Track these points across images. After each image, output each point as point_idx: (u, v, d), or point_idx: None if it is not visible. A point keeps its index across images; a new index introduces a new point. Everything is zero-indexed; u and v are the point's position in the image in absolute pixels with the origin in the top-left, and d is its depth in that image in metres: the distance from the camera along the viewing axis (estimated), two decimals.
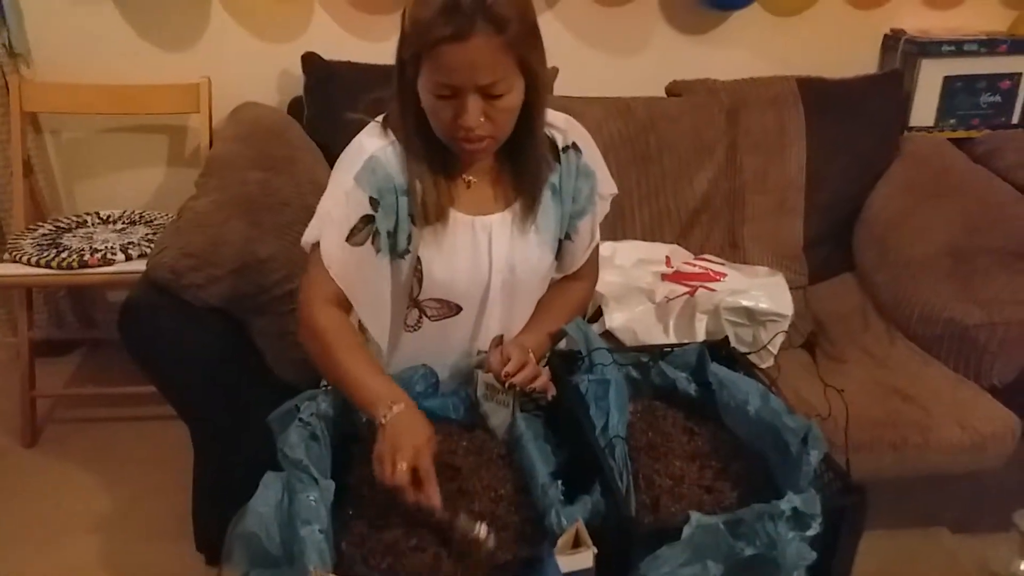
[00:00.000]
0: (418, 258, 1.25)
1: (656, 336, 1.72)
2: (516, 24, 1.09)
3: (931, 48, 2.23)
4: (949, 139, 2.27)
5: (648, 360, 1.34)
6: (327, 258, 1.18)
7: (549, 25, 2.25)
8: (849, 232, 2.17)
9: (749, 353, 1.50)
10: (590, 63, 2.29)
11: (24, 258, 1.88)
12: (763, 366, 1.70)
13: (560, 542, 0.91)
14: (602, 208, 1.38)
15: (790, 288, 2.07)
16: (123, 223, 2.11)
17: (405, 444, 1.05)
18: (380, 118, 1.25)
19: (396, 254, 1.25)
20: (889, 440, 1.58)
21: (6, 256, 1.92)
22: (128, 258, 1.89)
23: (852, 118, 2.17)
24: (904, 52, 2.28)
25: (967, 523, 1.81)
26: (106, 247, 1.93)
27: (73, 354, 2.43)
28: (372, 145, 1.21)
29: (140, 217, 2.15)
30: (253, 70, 2.19)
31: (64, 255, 1.89)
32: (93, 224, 2.11)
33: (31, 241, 1.97)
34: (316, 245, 1.20)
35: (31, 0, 2.08)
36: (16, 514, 1.87)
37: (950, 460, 1.61)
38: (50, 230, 2.05)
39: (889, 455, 1.59)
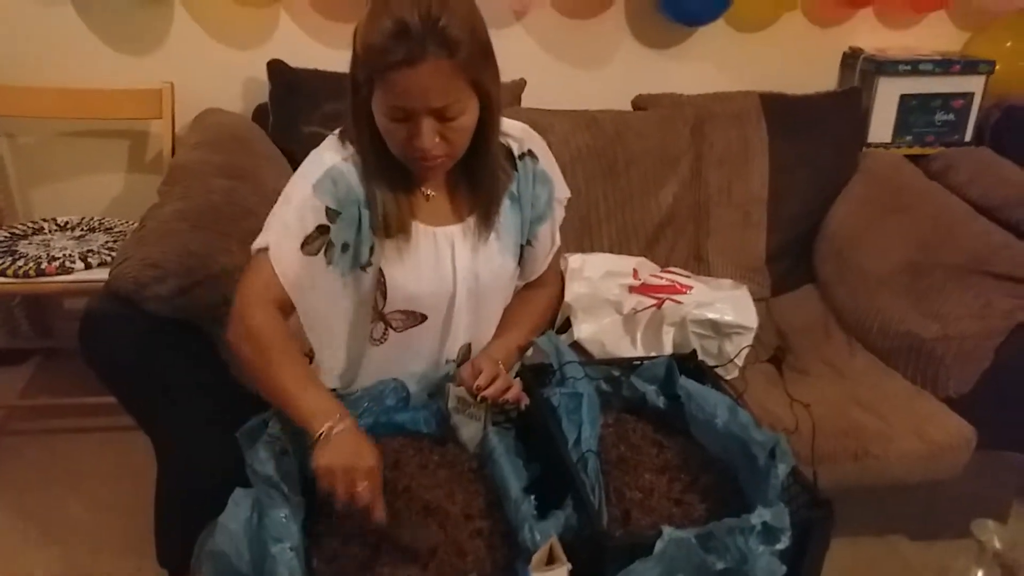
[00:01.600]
0: (380, 271, 1.25)
1: (624, 347, 1.74)
2: (467, 46, 1.09)
3: (888, 67, 2.29)
4: (905, 155, 2.33)
5: (619, 374, 1.36)
6: (279, 264, 1.17)
7: (517, 38, 2.26)
8: (810, 245, 2.21)
9: (716, 366, 1.52)
10: (557, 76, 2.30)
11: None
12: (728, 378, 1.72)
13: (535, 559, 0.92)
14: (559, 213, 1.40)
15: (753, 300, 2.11)
16: (81, 230, 2.06)
17: (359, 463, 1.04)
18: (338, 132, 1.25)
19: (358, 266, 1.25)
20: (851, 450, 1.61)
21: None
22: (88, 266, 1.85)
23: (813, 134, 2.22)
24: (862, 70, 2.34)
25: (925, 531, 1.85)
26: (64, 255, 1.88)
27: (27, 363, 2.36)
28: (331, 158, 1.21)
29: (100, 224, 2.10)
30: (217, 76, 2.15)
31: (20, 263, 1.84)
32: (50, 231, 2.05)
33: None
34: (263, 251, 1.18)
35: None
36: None
37: (909, 470, 1.65)
38: (5, 237, 2.00)
39: (851, 465, 1.62)
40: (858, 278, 1.99)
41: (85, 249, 1.92)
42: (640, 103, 2.23)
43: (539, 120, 1.83)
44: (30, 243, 1.97)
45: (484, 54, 1.13)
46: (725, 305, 1.71)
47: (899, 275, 1.89)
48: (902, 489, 1.75)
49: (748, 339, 1.71)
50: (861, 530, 1.88)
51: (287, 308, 1.20)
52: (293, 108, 2.02)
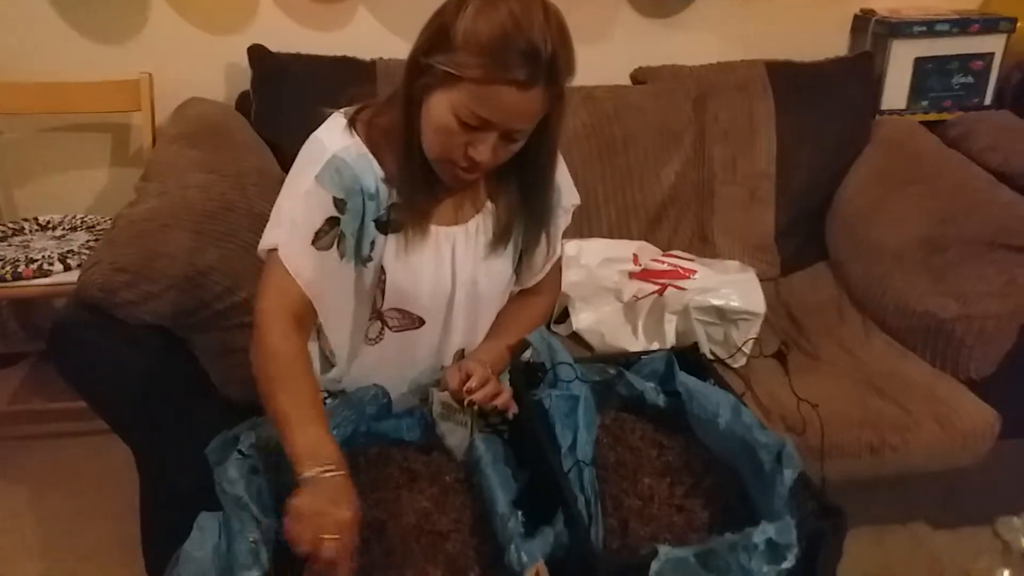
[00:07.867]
0: (382, 267, 1.18)
1: (624, 337, 1.66)
2: (565, 81, 1.05)
3: (901, 28, 2.17)
4: (921, 122, 2.22)
5: (614, 371, 1.28)
6: (292, 265, 1.10)
7: None
8: (822, 220, 2.11)
9: (716, 360, 1.43)
10: None
11: None
12: (735, 366, 1.64)
13: None
14: (564, 220, 1.33)
15: (761, 280, 2.01)
16: (63, 229, 2.00)
17: (332, 513, 0.94)
18: (344, 112, 1.17)
19: (359, 260, 1.18)
20: (867, 441, 1.53)
21: None
22: (67, 268, 1.78)
23: (823, 103, 2.11)
24: (874, 33, 2.22)
25: (947, 521, 1.77)
26: (43, 256, 1.81)
27: (18, 366, 2.31)
28: (334, 144, 1.13)
29: (82, 222, 2.03)
30: (198, 64, 2.07)
31: None
32: (31, 231, 1.99)
33: None
34: (274, 251, 1.11)
35: None
36: None
37: (929, 459, 1.57)
38: None
39: (867, 457, 1.53)
40: (872, 255, 1.89)
41: (65, 250, 1.85)
42: (639, 76, 2.13)
43: None
44: (9, 245, 1.91)
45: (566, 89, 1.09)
46: (730, 290, 1.62)
47: (915, 251, 1.79)
48: (924, 477, 1.67)
49: (756, 326, 1.63)
50: (880, 518, 1.81)
51: (305, 313, 1.12)
52: (276, 95, 1.94)
